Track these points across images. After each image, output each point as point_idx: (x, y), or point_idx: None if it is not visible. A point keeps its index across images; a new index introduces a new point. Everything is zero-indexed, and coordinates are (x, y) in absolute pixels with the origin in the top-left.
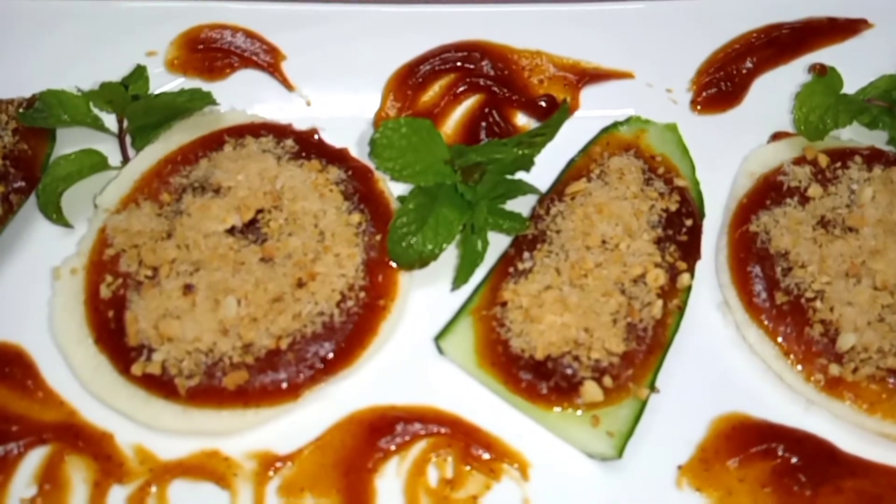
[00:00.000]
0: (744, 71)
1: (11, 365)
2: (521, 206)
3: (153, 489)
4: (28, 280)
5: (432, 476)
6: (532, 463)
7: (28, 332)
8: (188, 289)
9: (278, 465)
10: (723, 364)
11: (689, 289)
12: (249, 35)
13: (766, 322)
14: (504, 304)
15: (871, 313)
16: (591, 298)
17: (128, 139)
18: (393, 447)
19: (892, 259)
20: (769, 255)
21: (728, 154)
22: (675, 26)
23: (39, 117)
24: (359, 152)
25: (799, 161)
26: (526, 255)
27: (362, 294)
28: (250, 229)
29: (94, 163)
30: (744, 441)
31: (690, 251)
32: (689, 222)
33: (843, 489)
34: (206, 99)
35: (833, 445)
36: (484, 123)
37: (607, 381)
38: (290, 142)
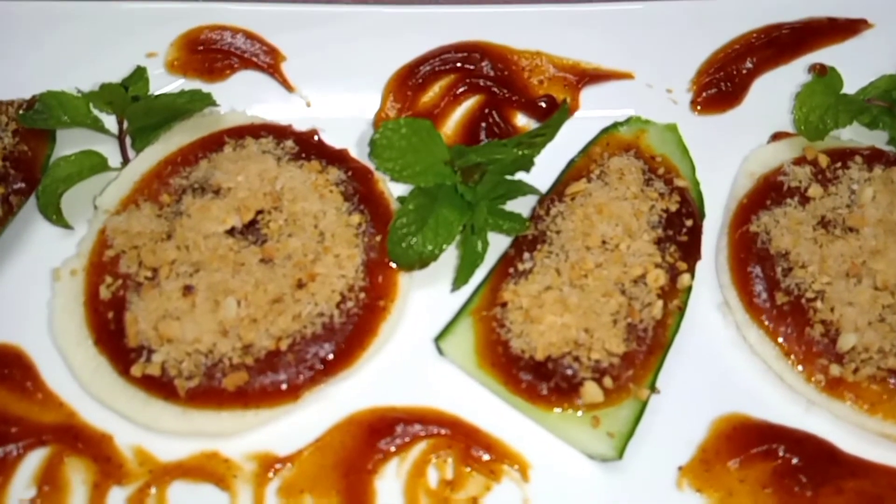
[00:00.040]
0: (744, 71)
1: (11, 366)
2: (522, 206)
3: (153, 491)
4: (28, 281)
5: (432, 477)
6: (532, 464)
7: (28, 334)
8: (188, 290)
9: (278, 466)
10: (723, 365)
11: (689, 289)
12: (249, 36)
13: (766, 322)
14: (504, 305)
15: (871, 313)
16: (592, 299)
17: (128, 140)
18: (393, 448)
19: (893, 259)
20: (769, 255)
21: (728, 154)
22: (674, 27)
23: (39, 118)
24: (359, 153)
25: (799, 161)
26: (526, 255)
27: (362, 295)
28: (250, 230)
29: (94, 164)
30: (744, 442)
31: (691, 251)
32: (689, 223)
33: (844, 490)
34: (206, 100)
35: (834, 446)
36: (484, 124)
37: (607, 381)
38: (289, 143)
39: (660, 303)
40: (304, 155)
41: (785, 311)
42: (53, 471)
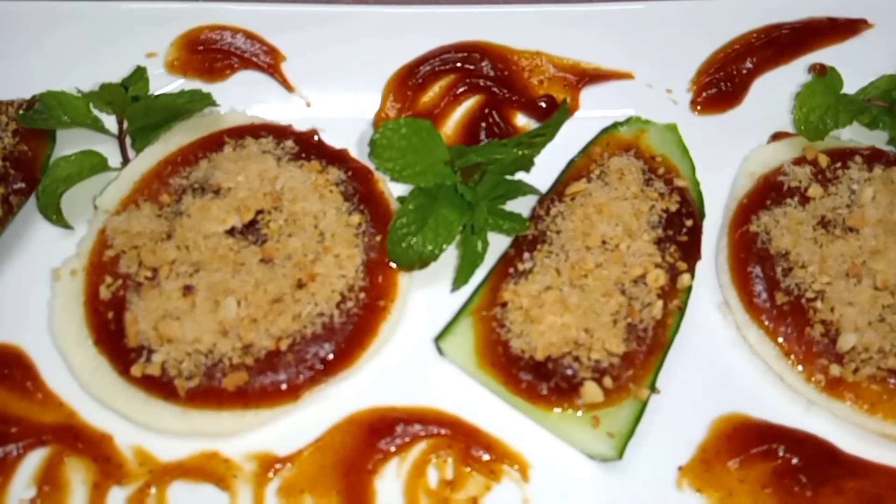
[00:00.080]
0: (744, 71)
1: (11, 366)
2: (521, 206)
3: (153, 491)
4: (28, 281)
5: (432, 477)
6: (532, 464)
7: (28, 334)
8: (188, 290)
9: (278, 466)
10: (723, 365)
11: (689, 289)
12: (249, 36)
13: (766, 322)
14: (504, 305)
15: (871, 313)
16: (592, 299)
17: (128, 140)
18: (393, 448)
19: (893, 259)
20: (769, 255)
21: (728, 154)
22: (674, 27)
23: (39, 118)
24: (359, 153)
25: (799, 161)
26: (526, 255)
27: (362, 295)
28: (250, 230)
29: (94, 164)
30: (744, 442)
31: (691, 251)
32: (689, 223)
33: (844, 490)
34: (206, 100)
35: (834, 446)
36: (484, 124)
37: (607, 381)
38: (290, 143)
39: (660, 303)
40: (304, 155)
41: (785, 311)
42: (53, 471)
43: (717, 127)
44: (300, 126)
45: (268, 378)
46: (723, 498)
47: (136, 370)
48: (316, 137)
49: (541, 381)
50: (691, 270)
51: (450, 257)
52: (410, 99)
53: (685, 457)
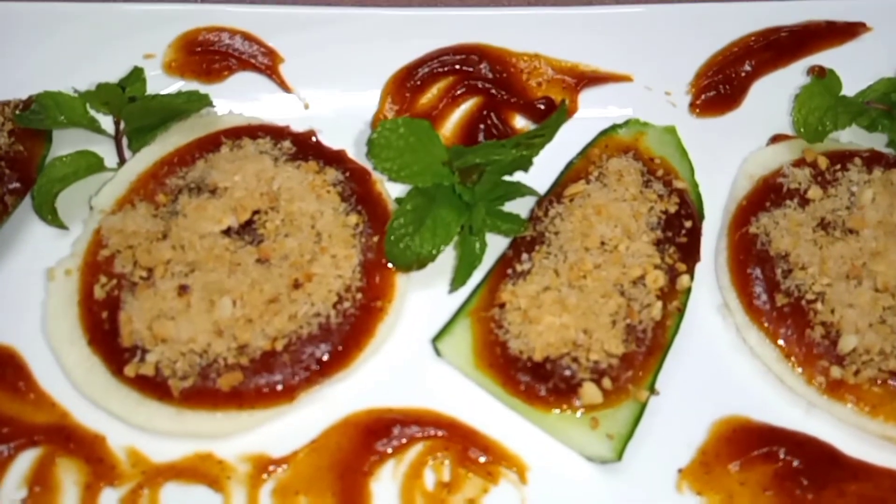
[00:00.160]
0: (742, 74)
1: (3, 366)
2: (520, 207)
3: (145, 492)
4: (22, 281)
5: (429, 479)
6: (530, 466)
7: (21, 334)
8: (183, 289)
9: (273, 467)
10: (723, 366)
11: (688, 290)
12: (247, 38)
13: (766, 324)
14: (502, 306)
15: (872, 315)
16: (590, 300)
17: (124, 141)
18: (389, 450)
19: (893, 261)
20: (769, 256)
21: (727, 157)
22: (673, 29)
23: (36, 119)
24: (356, 154)
25: (798, 163)
26: (524, 256)
27: (359, 295)
28: (246, 230)
29: (90, 164)
30: (745, 444)
31: (690, 253)
32: (688, 224)
33: (846, 493)
34: (204, 100)
35: (835, 448)
36: (482, 126)
37: (606, 382)
38: (287, 143)
39: (659, 304)
40: (301, 155)
41: (785, 313)
42: (45, 471)
43: (716, 129)
44: (298, 127)
45: (263, 378)
46: (723, 500)
47: (129, 370)
48: (313, 138)
49: (539, 382)
50: (690, 272)
51: (448, 258)
52: (409, 100)
53: (685, 459)
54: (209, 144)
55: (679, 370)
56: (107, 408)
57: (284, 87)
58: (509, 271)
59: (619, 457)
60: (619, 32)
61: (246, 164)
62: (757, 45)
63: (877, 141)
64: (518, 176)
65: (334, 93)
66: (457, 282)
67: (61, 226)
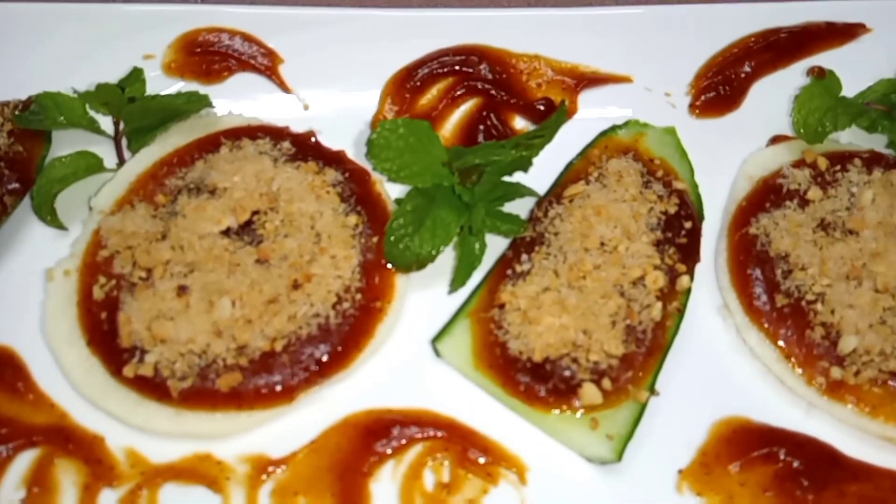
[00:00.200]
0: (742, 75)
1: (2, 367)
2: (520, 208)
3: (144, 493)
4: (21, 282)
5: (429, 480)
6: (530, 466)
7: (20, 334)
8: (182, 290)
9: (272, 468)
10: (723, 367)
11: (688, 291)
12: (247, 38)
13: (766, 325)
14: (502, 306)
15: (872, 316)
16: (590, 300)
17: (124, 142)
18: (389, 451)
19: (893, 261)
20: (769, 257)
21: (727, 157)
22: (673, 31)
23: (35, 119)
24: (356, 155)
25: (798, 164)
26: (524, 257)
27: (358, 296)
28: (246, 231)
29: (89, 165)
30: (745, 445)
31: (690, 253)
32: (688, 225)
33: (846, 493)
34: (203, 101)
35: (835, 449)
36: (482, 127)
37: (606, 383)
38: (286, 144)
39: (659, 304)
40: (300, 156)
41: (785, 314)
42: (43, 472)
43: (716, 130)
44: (297, 128)
45: (262, 379)
46: (723, 501)
47: (128, 371)
48: (313, 139)
49: (539, 382)
50: (690, 272)
51: (447, 259)
52: (408, 101)
53: (685, 460)
54: (209, 145)
55: (679, 371)
56: (106, 408)
57: (284, 87)
58: (509, 272)
59: (619, 457)
60: (618, 33)
61: (245, 164)
62: (757, 46)
63: (877, 142)
64: (518, 176)
65: (334, 93)
66: (456, 282)
67: (60, 226)
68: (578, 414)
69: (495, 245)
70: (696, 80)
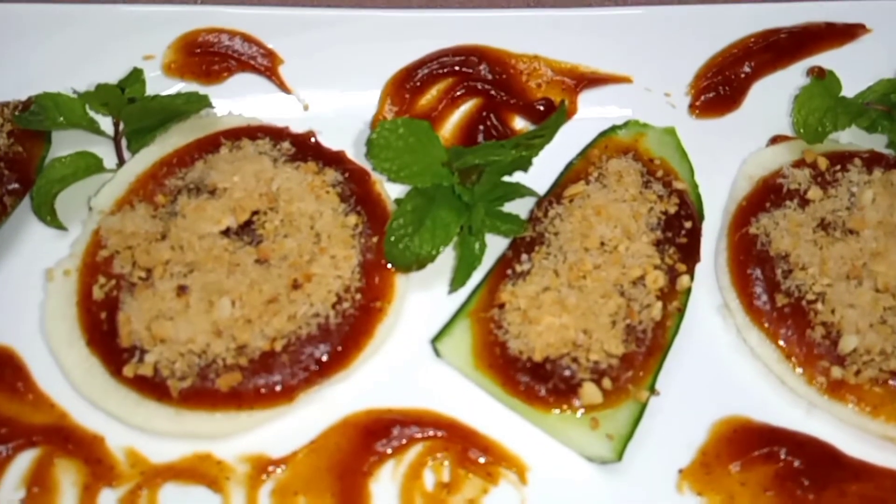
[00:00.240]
0: (742, 75)
1: (2, 367)
2: (519, 208)
3: (144, 493)
4: (21, 282)
5: (429, 480)
6: (530, 466)
7: (20, 334)
8: (182, 290)
9: (272, 468)
10: (723, 367)
11: (688, 291)
12: (247, 39)
13: (766, 324)
14: (502, 306)
15: (873, 315)
16: (590, 300)
17: (124, 142)
18: (389, 450)
19: (894, 261)
20: (769, 257)
21: (727, 158)
22: (672, 31)
23: (35, 120)
24: (356, 155)
25: (798, 164)
26: (524, 257)
27: (358, 296)
28: (245, 231)
29: (89, 165)
30: (745, 444)
31: (690, 253)
32: (688, 224)
33: (847, 493)
34: (203, 101)
35: (836, 449)
36: (482, 127)
37: (606, 383)
38: (286, 144)
39: (659, 304)
40: (300, 156)
41: (785, 314)
42: (43, 472)
43: (716, 130)
44: (297, 128)
45: (262, 379)
46: (724, 501)
47: (128, 370)
48: (313, 139)
49: (539, 382)
50: (690, 272)
51: (447, 259)
52: (408, 102)
53: (685, 459)
54: (208, 145)
55: (679, 371)
56: (105, 408)
57: (284, 88)
58: (509, 272)
59: (620, 457)
60: (618, 34)
61: (245, 164)
62: (756, 47)
63: (876, 142)
64: (517, 177)
65: (334, 94)
66: (456, 282)
67: (60, 226)
68: (579, 414)
69: (495, 245)
70: (696, 80)
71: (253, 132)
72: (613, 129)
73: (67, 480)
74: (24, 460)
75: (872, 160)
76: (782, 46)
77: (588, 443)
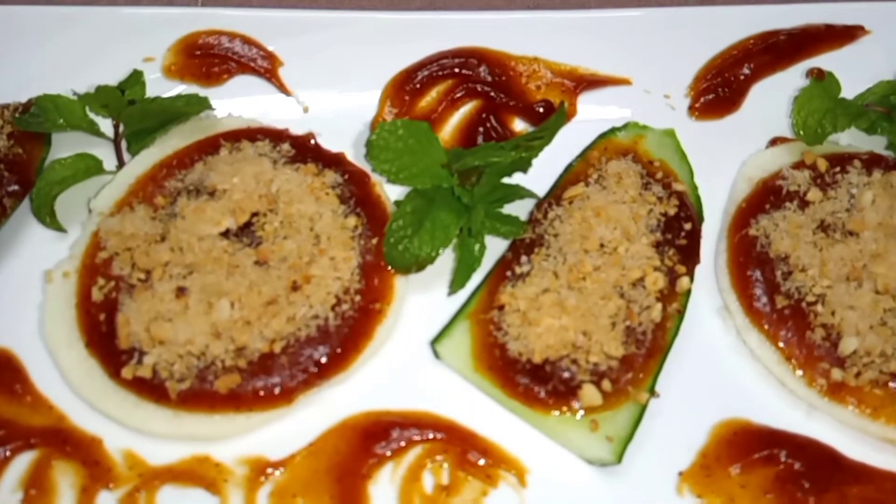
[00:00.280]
0: (741, 77)
1: (1, 369)
2: (519, 210)
3: (142, 495)
4: (20, 284)
5: (428, 482)
6: (530, 469)
7: (18, 336)
8: (181, 291)
9: (270, 470)
10: (723, 369)
11: (688, 292)
12: (247, 41)
13: (766, 326)
14: (501, 308)
15: (873, 317)
16: (590, 302)
17: (124, 144)
18: (388, 453)
19: (894, 263)
20: (769, 258)
21: (726, 159)
22: (672, 33)
23: (35, 122)
24: (356, 157)
25: (798, 165)
26: (523, 258)
27: (357, 297)
28: (245, 232)
29: (88, 167)
30: (745, 447)
31: (690, 255)
32: (687, 226)
33: (848, 496)
34: (203, 104)
35: (836, 451)
36: (481, 129)
37: (606, 384)
38: (286, 146)
39: (659, 306)
40: (300, 158)
41: (785, 315)
42: (41, 474)
43: (715, 132)
44: (297, 130)
45: (261, 381)
46: (724, 503)
47: (126, 372)
48: (312, 141)
49: (538, 384)
50: (690, 274)
51: (446, 260)
52: (408, 104)
53: (685, 462)
54: (208, 147)
55: (679, 372)
56: (104, 410)
57: (284, 90)
58: (508, 273)
59: (619, 459)
60: (617, 36)
61: (245, 166)
62: (756, 48)
63: (876, 143)
64: (517, 178)
65: (333, 96)
66: (456, 284)
67: (60, 228)
68: (578, 415)
69: (495, 247)
70: (696, 82)
71: (253, 134)
72: (613, 130)
73: (65, 482)
74: (22, 462)
75: (872, 162)
76: (782, 48)
77: (588, 445)
